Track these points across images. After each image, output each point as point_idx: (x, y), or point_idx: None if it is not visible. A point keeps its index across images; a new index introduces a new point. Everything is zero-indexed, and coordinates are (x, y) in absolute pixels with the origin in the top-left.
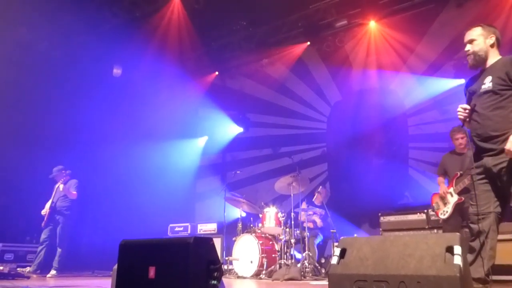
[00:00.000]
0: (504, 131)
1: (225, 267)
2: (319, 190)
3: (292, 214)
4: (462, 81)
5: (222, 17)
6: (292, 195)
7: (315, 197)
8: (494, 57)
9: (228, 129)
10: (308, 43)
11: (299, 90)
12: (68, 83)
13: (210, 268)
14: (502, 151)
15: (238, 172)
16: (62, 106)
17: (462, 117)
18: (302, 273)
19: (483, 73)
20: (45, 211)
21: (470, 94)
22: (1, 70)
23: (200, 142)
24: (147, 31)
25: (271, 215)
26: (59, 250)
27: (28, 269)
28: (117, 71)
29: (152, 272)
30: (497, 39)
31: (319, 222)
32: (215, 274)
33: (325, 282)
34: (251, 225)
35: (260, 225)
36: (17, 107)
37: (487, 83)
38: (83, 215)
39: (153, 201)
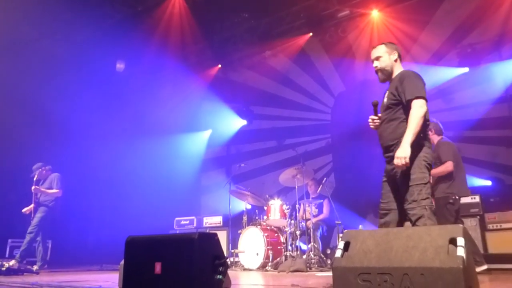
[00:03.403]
0: (395, 141)
1: (231, 259)
2: (308, 183)
3: (297, 206)
4: (466, 69)
5: (224, 10)
6: (296, 187)
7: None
8: (397, 70)
9: (232, 122)
10: (311, 34)
11: (302, 81)
12: (72, 79)
13: (215, 263)
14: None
15: (242, 165)
16: (65, 102)
17: (373, 126)
18: (308, 264)
19: (388, 86)
20: (27, 209)
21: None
22: (3, 68)
23: (205, 136)
24: (149, 26)
25: (276, 208)
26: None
27: (35, 267)
28: (120, 66)
29: (158, 267)
30: (399, 54)
31: (314, 210)
32: (220, 268)
33: (330, 273)
34: (256, 218)
35: (265, 217)
36: (20, 104)
37: (385, 98)
38: (90, 210)
39: (159, 195)
